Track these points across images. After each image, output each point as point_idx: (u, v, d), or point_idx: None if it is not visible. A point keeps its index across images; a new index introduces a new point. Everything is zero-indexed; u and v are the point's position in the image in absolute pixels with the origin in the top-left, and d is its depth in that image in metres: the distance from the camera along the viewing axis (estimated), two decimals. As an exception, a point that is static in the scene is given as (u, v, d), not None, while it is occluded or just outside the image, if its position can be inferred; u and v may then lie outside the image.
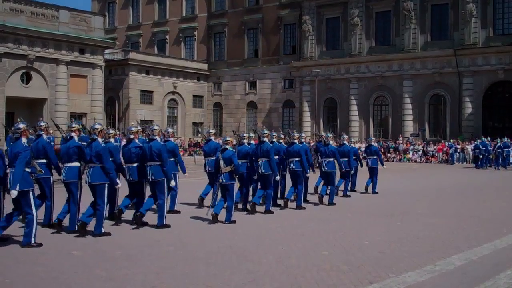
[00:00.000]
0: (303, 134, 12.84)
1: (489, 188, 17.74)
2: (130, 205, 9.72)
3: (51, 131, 11.22)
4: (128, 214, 9.64)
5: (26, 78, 33.17)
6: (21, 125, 7.81)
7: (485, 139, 29.13)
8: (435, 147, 33.95)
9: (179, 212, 10.83)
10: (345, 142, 14.17)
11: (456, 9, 35.55)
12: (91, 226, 8.48)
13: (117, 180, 8.66)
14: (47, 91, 33.83)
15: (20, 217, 8.03)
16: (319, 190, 13.12)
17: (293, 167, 11.63)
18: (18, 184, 7.27)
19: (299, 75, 41.61)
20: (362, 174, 15.84)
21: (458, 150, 32.48)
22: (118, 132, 11.40)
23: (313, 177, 13.44)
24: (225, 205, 9.76)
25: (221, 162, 9.60)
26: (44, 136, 9.10)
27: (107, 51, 38.70)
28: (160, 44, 49.02)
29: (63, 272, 6.19)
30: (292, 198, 11.89)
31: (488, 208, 12.43)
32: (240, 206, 11.20)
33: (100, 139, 8.60)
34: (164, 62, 42.98)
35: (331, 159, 12.59)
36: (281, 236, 8.53)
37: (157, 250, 7.40)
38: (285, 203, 11.75)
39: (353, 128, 38.57)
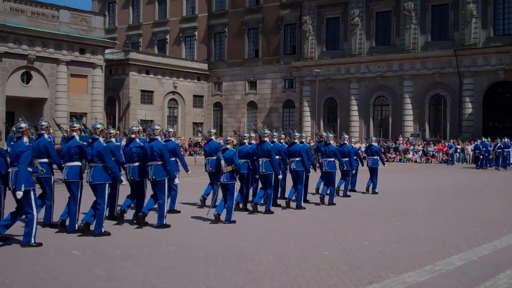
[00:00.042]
0: (303, 134, 12.84)
1: (489, 188, 17.73)
2: (132, 205, 9.73)
3: (51, 131, 11.22)
4: (128, 214, 9.63)
5: (27, 77, 33.19)
6: (23, 125, 7.82)
7: (485, 140, 29.15)
8: (435, 147, 33.95)
9: (179, 212, 10.83)
10: (346, 142, 14.22)
11: (457, 9, 35.55)
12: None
13: (122, 177, 8.71)
14: (47, 91, 33.85)
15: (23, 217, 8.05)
16: (320, 191, 13.13)
17: (294, 167, 11.64)
18: (23, 185, 7.29)
19: (299, 75, 41.62)
20: (363, 174, 15.84)
21: (458, 151, 32.48)
22: (118, 132, 11.40)
23: (314, 177, 13.45)
24: (225, 205, 9.77)
25: (222, 162, 9.60)
26: (46, 136, 9.12)
27: (107, 51, 38.74)
28: (161, 44, 49.04)
29: (63, 272, 6.19)
30: (294, 198, 11.90)
31: (488, 208, 12.43)
32: (241, 206, 11.20)
33: (101, 139, 8.63)
34: (164, 62, 43.00)
35: (332, 159, 12.61)
36: (281, 236, 8.53)
37: (157, 250, 7.40)
38: (287, 203, 11.76)
39: (353, 128, 38.57)
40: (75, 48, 34.90)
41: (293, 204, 11.75)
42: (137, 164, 9.30)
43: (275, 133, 12.24)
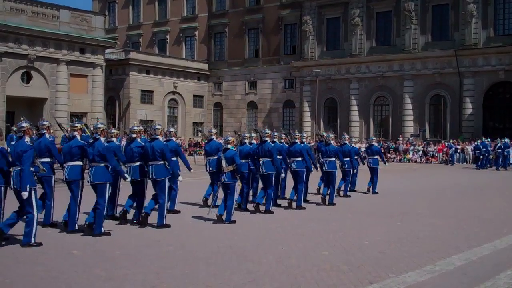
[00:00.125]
0: (304, 134, 12.86)
1: (489, 188, 17.73)
2: (134, 205, 9.74)
3: (51, 131, 11.23)
4: (129, 214, 9.62)
5: (27, 77, 33.17)
6: (24, 124, 7.83)
7: (485, 140, 29.15)
8: (435, 147, 33.94)
9: (179, 212, 10.83)
10: (346, 142, 14.24)
11: (457, 9, 35.54)
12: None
13: (125, 174, 8.73)
14: (47, 91, 33.83)
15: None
16: (321, 191, 13.14)
17: (294, 166, 11.66)
18: (28, 186, 7.30)
19: (299, 75, 41.61)
20: (363, 174, 15.85)
21: (458, 151, 32.48)
22: (119, 132, 11.42)
23: (315, 178, 13.45)
24: (226, 205, 9.77)
25: (223, 161, 9.61)
26: (47, 135, 9.13)
27: (107, 50, 38.70)
28: (161, 44, 49.03)
29: (63, 271, 6.19)
30: (295, 198, 11.90)
31: (488, 208, 12.43)
32: (242, 205, 11.20)
33: (102, 139, 8.65)
34: (164, 62, 42.98)
35: (332, 159, 12.63)
36: (281, 236, 8.53)
37: (157, 250, 7.40)
38: (289, 203, 11.77)
39: (353, 128, 38.55)
40: (75, 48, 34.87)
41: (293, 204, 11.75)
42: (138, 163, 9.31)
43: (275, 133, 12.26)
